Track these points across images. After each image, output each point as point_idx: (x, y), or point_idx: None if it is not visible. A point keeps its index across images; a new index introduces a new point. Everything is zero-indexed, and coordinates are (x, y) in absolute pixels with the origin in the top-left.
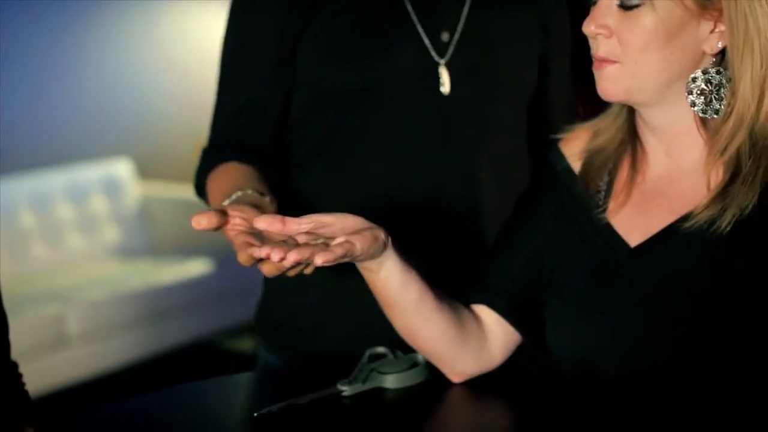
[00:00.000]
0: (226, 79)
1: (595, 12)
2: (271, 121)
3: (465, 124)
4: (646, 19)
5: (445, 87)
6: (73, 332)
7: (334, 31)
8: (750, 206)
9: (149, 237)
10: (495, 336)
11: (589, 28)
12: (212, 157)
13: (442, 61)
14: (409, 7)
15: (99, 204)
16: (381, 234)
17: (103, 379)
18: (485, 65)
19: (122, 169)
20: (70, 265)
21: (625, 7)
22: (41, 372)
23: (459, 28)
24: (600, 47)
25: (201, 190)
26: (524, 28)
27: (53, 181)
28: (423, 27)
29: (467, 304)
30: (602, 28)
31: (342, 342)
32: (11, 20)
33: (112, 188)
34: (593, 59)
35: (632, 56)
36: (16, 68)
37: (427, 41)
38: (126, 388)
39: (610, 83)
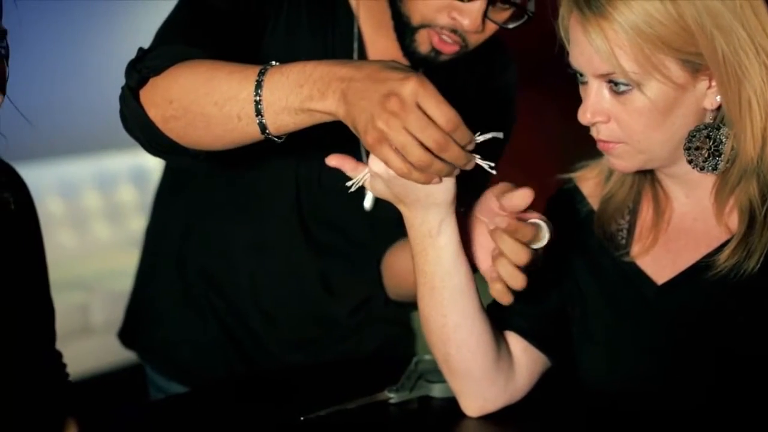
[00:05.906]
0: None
1: (588, 100)
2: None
3: None
4: (638, 102)
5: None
6: (98, 321)
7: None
8: None
9: None
10: (521, 365)
11: (585, 117)
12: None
13: None
14: None
15: (126, 193)
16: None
17: (126, 369)
18: None
19: (150, 159)
20: (95, 254)
21: (615, 90)
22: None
23: None
24: (601, 132)
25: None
26: None
27: (81, 170)
28: None
29: None
30: (599, 115)
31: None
32: (41, 7)
33: (139, 178)
34: (596, 140)
35: (635, 137)
36: (47, 55)
37: None
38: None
39: (622, 162)
